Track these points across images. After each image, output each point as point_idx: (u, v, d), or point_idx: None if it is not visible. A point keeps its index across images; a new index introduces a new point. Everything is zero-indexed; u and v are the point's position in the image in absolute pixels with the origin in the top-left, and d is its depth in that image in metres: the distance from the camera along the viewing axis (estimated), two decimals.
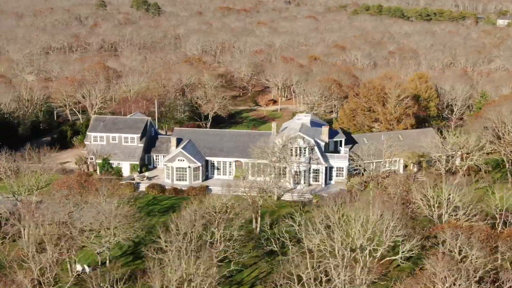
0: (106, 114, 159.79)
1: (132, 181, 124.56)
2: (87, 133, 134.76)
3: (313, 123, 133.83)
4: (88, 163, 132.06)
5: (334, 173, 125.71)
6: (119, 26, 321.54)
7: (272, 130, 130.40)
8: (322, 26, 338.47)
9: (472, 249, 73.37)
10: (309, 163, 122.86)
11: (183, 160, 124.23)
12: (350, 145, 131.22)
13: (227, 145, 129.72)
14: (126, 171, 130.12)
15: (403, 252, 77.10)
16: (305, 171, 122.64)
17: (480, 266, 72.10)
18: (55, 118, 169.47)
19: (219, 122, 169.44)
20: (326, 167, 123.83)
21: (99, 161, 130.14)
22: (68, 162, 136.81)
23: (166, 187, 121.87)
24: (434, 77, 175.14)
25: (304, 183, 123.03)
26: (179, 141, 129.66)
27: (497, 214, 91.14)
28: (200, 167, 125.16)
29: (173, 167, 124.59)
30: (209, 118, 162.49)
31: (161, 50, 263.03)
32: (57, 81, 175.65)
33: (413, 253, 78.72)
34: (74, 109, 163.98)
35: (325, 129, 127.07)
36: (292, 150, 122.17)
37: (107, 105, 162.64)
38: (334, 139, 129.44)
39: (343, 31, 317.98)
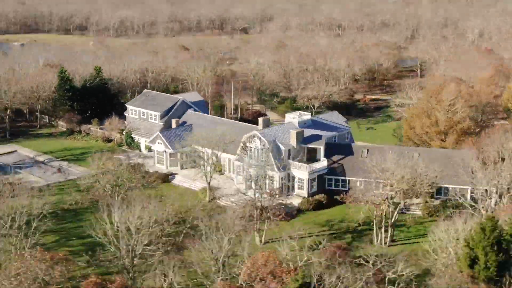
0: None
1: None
2: (126, 105, 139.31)
3: (323, 125, 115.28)
4: (124, 134, 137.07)
5: (296, 185, 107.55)
6: None
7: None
8: None
9: None
10: (265, 167, 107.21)
11: (161, 144, 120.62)
12: (342, 156, 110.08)
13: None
14: (143, 147, 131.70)
15: None
16: (258, 175, 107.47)
17: None
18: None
19: None
20: (281, 176, 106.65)
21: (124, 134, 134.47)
22: None
23: (141, 169, 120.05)
24: None
25: (257, 189, 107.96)
26: (183, 124, 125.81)
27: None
28: (178, 154, 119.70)
29: (155, 149, 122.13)
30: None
31: None
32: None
33: None
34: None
35: (292, 132, 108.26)
36: (250, 150, 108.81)
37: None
38: (310, 145, 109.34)
39: None
